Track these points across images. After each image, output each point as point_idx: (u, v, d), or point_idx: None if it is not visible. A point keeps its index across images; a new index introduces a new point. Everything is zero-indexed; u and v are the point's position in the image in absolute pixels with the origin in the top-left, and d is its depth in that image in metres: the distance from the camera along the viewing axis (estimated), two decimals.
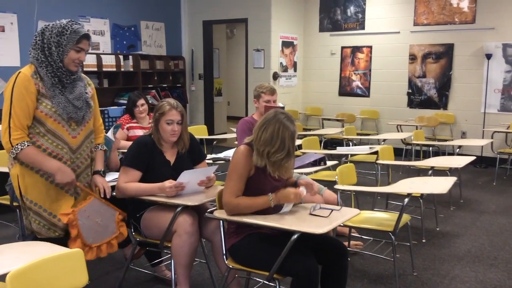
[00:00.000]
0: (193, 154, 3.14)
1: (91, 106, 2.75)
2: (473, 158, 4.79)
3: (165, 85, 8.72)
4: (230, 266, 2.63)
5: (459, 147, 6.22)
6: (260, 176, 2.57)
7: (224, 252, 2.67)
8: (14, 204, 3.78)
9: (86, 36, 2.60)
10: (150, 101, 7.92)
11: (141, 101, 4.51)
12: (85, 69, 7.05)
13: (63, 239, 2.65)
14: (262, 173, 2.58)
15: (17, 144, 2.46)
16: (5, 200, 3.94)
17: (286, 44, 8.88)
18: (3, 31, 6.49)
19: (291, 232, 2.34)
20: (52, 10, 7.01)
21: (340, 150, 5.16)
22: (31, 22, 6.78)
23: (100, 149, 2.90)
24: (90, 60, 7.23)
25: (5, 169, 3.79)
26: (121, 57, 7.84)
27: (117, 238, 2.81)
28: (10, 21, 6.55)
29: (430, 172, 4.49)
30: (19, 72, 2.53)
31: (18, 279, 1.73)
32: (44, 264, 1.84)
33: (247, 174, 2.55)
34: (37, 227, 2.63)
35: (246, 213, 2.52)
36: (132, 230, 3.05)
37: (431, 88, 8.12)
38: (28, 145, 2.48)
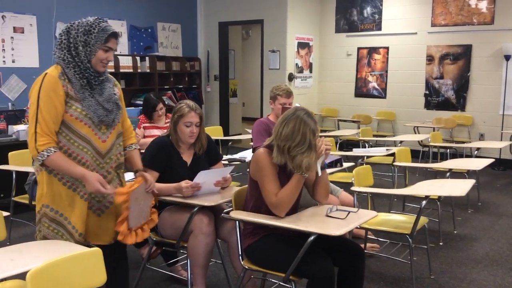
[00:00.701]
0: (209, 154, 3.16)
1: (121, 108, 2.60)
2: (491, 160, 4.72)
3: (181, 86, 8.76)
4: (246, 267, 2.63)
5: (477, 149, 6.13)
6: (281, 177, 2.58)
7: (240, 253, 2.67)
8: (33, 203, 3.84)
9: (114, 35, 2.43)
10: (166, 102, 7.97)
11: (160, 105, 4.68)
12: None
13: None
14: (283, 173, 2.58)
15: (43, 151, 2.29)
16: (24, 199, 3.99)
17: (302, 45, 8.86)
18: (23, 32, 6.59)
19: (307, 234, 2.33)
20: (71, 12, 7.09)
21: (356, 151, 5.14)
22: (50, 24, 6.87)
23: (135, 148, 2.73)
24: None
25: (24, 169, 3.87)
26: (138, 58, 7.90)
27: (148, 224, 2.67)
28: (29, 23, 6.65)
29: (447, 174, 4.45)
30: (46, 74, 2.35)
31: (38, 277, 1.75)
32: (64, 263, 1.86)
33: (276, 173, 2.55)
34: (55, 237, 2.45)
35: (293, 202, 2.51)
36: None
37: (448, 89, 8.03)
38: (54, 151, 2.30)
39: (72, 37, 2.38)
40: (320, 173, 2.58)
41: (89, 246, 2.44)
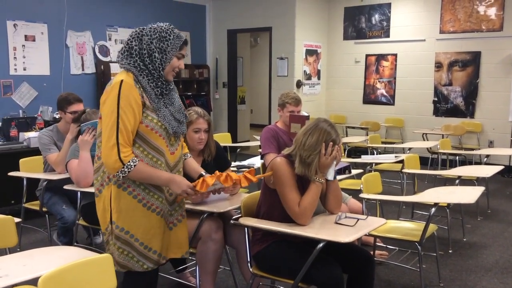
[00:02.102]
0: (218, 161, 3.17)
1: (188, 119, 2.53)
2: (501, 167, 4.70)
3: (190, 93, 8.81)
4: (255, 273, 2.64)
5: (487, 156, 6.10)
6: (297, 186, 2.59)
7: (249, 260, 2.68)
8: (44, 209, 3.88)
9: (186, 42, 2.35)
10: None
11: None
12: (112, 77, 7.18)
13: (150, 273, 2.37)
14: (299, 182, 2.59)
15: (129, 161, 2.14)
16: (34, 205, 4.03)
17: (310, 52, 8.88)
18: (34, 40, 6.67)
19: (316, 241, 2.34)
20: (81, 20, 7.18)
21: (365, 158, 5.13)
22: (61, 32, 6.95)
23: (190, 157, 2.68)
24: (117, 69, 7.36)
25: (35, 175, 3.91)
26: None
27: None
28: (40, 31, 6.73)
29: (457, 181, 4.43)
30: (121, 80, 2.17)
31: (49, 283, 1.77)
32: (75, 268, 1.88)
33: (296, 182, 2.56)
34: (125, 259, 2.26)
35: (314, 209, 2.52)
36: None
37: (457, 96, 8.01)
38: (138, 161, 2.18)
39: (146, 44, 2.25)
40: (330, 178, 2.60)
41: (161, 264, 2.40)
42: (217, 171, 2.46)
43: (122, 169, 2.14)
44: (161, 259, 2.37)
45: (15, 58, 6.48)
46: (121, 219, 2.23)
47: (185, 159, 2.64)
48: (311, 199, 2.50)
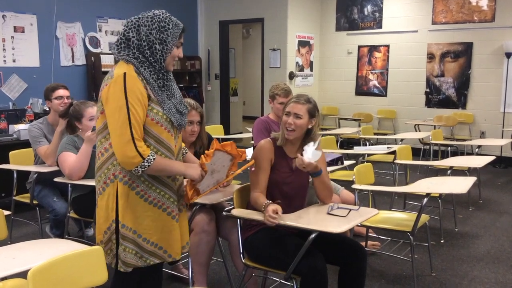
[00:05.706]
0: None
1: (188, 110, 2.47)
2: (492, 158, 4.72)
3: (182, 85, 8.76)
4: (247, 264, 2.63)
5: (478, 147, 6.13)
6: (282, 165, 2.63)
7: (241, 251, 2.67)
8: (34, 202, 3.85)
9: (184, 29, 2.25)
10: None
11: None
12: (103, 69, 7.13)
13: (152, 268, 2.23)
14: (279, 164, 2.62)
15: (149, 155, 2.05)
16: (25, 198, 4.00)
17: (303, 43, 8.85)
18: (23, 32, 6.59)
19: (308, 231, 2.33)
20: (71, 11, 7.10)
21: (357, 149, 5.14)
22: (51, 23, 6.87)
23: (187, 152, 2.64)
24: (107, 60, 7.30)
25: (25, 168, 3.87)
26: None
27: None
28: (29, 22, 6.64)
29: (448, 172, 4.44)
30: (124, 73, 2.06)
31: (39, 276, 1.76)
32: (65, 261, 1.86)
33: (269, 166, 2.64)
34: (131, 258, 2.13)
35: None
36: None
37: (449, 87, 8.02)
38: (155, 154, 2.10)
39: (144, 35, 2.14)
40: (310, 158, 2.52)
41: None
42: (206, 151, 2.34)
43: (143, 164, 2.04)
44: (166, 256, 2.23)
45: (4, 49, 6.40)
46: (128, 218, 2.11)
47: (186, 153, 2.61)
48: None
